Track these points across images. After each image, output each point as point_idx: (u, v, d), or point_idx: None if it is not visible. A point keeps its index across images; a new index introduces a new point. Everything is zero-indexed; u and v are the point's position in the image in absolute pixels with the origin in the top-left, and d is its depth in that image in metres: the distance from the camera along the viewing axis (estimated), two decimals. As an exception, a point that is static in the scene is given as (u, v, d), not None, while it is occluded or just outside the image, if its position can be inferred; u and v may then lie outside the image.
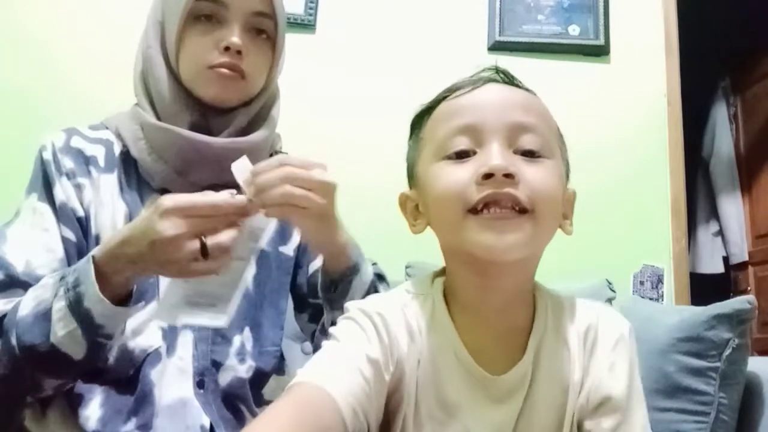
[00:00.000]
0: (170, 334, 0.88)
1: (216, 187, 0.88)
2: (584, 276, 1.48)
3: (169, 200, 0.72)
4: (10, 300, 0.83)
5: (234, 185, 0.82)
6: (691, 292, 1.89)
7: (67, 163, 0.91)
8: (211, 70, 0.90)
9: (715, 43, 3.24)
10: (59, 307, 0.77)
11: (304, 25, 1.85)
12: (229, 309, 0.81)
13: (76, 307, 0.76)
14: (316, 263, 0.98)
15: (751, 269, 3.13)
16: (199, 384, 0.87)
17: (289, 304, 1.03)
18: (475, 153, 0.64)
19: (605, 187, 1.87)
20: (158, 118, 0.92)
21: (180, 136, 0.89)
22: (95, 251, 0.78)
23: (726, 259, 3.23)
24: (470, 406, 0.65)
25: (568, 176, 0.71)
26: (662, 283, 1.83)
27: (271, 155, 1.02)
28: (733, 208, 3.20)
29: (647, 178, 1.90)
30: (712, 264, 3.20)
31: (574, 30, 1.93)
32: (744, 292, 3.03)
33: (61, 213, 0.89)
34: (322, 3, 1.90)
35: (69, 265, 0.86)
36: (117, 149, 0.95)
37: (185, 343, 0.88)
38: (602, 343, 0.68)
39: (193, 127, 0.91)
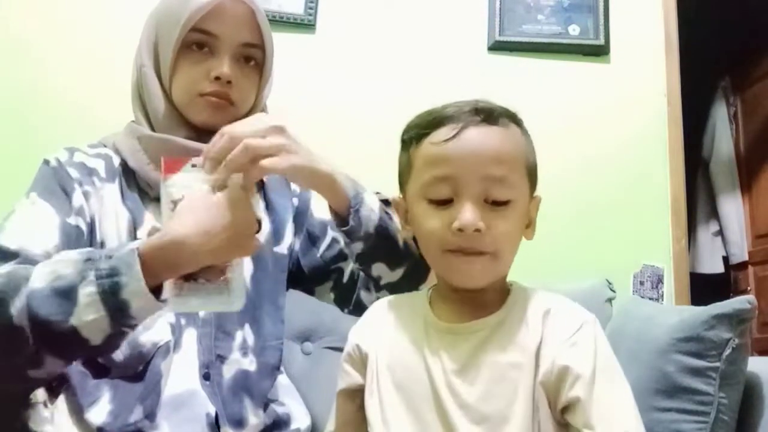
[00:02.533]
0: (177, 330, 0.91)
1: None
2: (584, 276, 1.48)
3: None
4: (3, 267, 0.81)
5: None
6: (691, 292, 1.89)
7: (74, 173, 0.95)
8: (202, 98, 0.96)
9: (715, 43, 3.24)
10: (88, 292, 0.75)
11: (304, 25, 1.85)
12: (237, 291, 0.81)
13: (111, 297, 0.74)
14: (328, 239, 1.05)
15: (751, 269, 3.13)
16: (206, 376, 0.90)
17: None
18: (452, 200, 0.76)
19: (605, 187, 1.86)
20: (153, 130, 0.97)
21: (177, 144, 0.94)
22: (140, 246, 0.77)
23: (726, 259, 3.23)
24: (428, 348, 0.79)
25: (535, 185, 0.83)
26: (662, 283, 1.83)
27: None
28: (733, 208, 3.20)
29: (647, 178, 1.89)
30: (712, 264, 3.20)
31: (574, 30, 1.93)
32: (744, 292, 3.03)
33: (78, 211, 0.92)
34: (322, 3, 1.89)
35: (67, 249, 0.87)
36: (116, 162, 0.99)
37: (190, 339, 0.91)
38: (562, 323, 0.77)
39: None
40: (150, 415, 0.84)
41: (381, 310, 0.86)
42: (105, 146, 1.02)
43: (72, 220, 0.91)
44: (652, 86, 1.94)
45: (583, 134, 1.89)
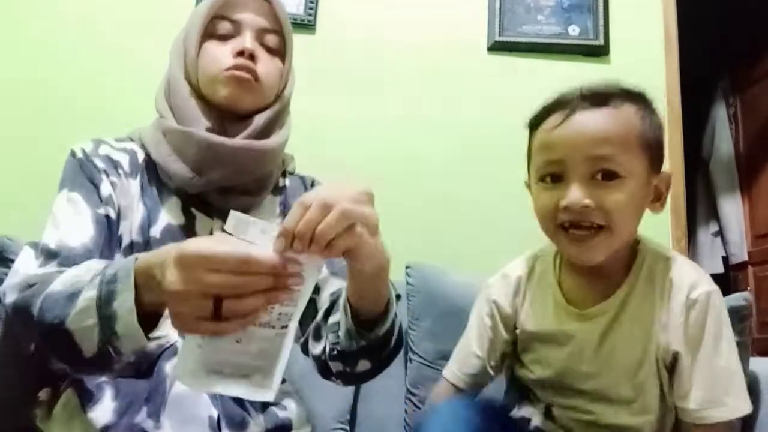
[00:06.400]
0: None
1: (229, 190, 0.95)
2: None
3: (190, 246, 0.63)
4: (45, 269, 0.83)
5: (248, 183, 0.93)
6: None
7: (99, 163, 0.97)
8: (227, 73, 0.96)
9: (715, 42, 3.24)
10: (88, 296, 0.73)
11: (304, 25, 1.85)
12: (273, 383, 0.66)
13: (104, 305, 0.71)
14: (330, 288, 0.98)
15: (750, 269, 3.13)
16: None
17: None
18: (562, 179, 0.87)
19: (605, 187, 1.86)
20: (178, 124, 0.98)
21: (198, 137, 0.95)
22: (140, 256, 0.72)
23: (726, 260, 3.23)
24: (559, 326, 0.94)
25: (661, 161, 0.92)
26: (662, 284, 1.82)
27: (283, 173, 1.09)
28: (732, 208, 3.20)
29: (647, 178, 1.89)
30: (711, 264, 3.20)
31: (573, 30, 1.93)
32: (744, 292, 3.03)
33: (106, 201, 0.93)
34: (322, 3, 1.89)
35: (101, 242, 0.89)
36: (140, 157, 1.01)
37: None
38: (680, 301, 0.88)
39: (210, 132, 0.96)
40: (153, 415, 0.84)
41: (519, 276, 1.01)
42: (132, 140, 1.03)
43: (102, 210, 0.92)
44: (652, 86, 1.93)
45: (583, 134, 1.89)
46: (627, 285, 0.91)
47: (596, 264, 0.88)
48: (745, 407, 0.87)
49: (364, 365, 0.88)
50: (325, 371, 0.95)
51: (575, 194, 0.84)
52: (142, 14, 1.82)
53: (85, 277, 0.76)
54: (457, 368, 1.05)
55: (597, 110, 0.87)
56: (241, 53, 0.96)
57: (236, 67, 0.96)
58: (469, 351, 1.04)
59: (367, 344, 0.84)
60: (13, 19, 1.79)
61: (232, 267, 0.61)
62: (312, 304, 0.98)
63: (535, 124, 0.93)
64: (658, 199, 0.92)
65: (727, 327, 0.88)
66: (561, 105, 0.89)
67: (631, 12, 1.97)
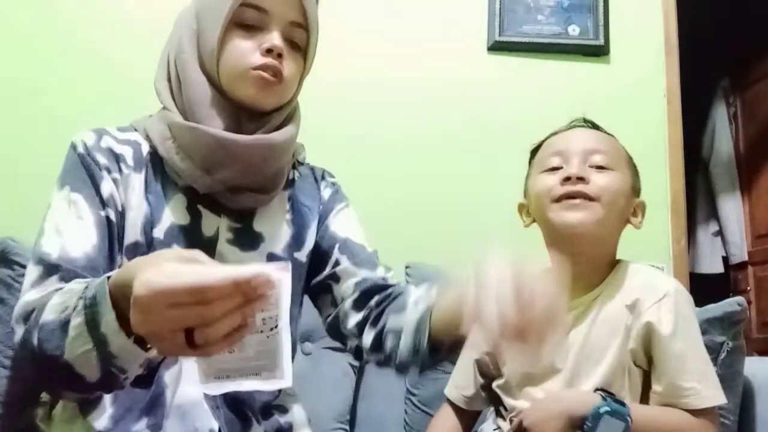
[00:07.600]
0: None
1: (240, 188, 0.91)
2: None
3: (143, 287, 0.59)
4: (44, 289, 0.80)
5: (260, 181, 0.90)
6: (691, 292, 1.88)
7: (101, 159, 0.92)
8: (254, 72, 0.91)
9: (715, 43, 3.24)
10: (76, 323, 0.70)
11: (304, 25, 1.85)
12: (284, 372, 0.67)
13: (93, 328, 0.69)
14: (333, 259, 1.00)
15: (750, 269, 3.13)
16: None
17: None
18: (562, 168, 1.01)
19: (605, 187, 1.86)
20: (185, 119, 0.93)
21: (206, 134, 0.90)
22: (112, 274, 0.70)
23: (726, 259, 3.23)
24: None
25: (638, 193, 1.07)
26: (662, 284, 1.83)
27: (293, 165, 1.05)
28: (732, 208, 3.20)
29: (647, 178, 1.87)
30: (711, 264, 3.20)
31: (573, 30, 1.93)
32: (744, 292, 3.03)
33: (107, 202, 0.89)
34: (323, 3, 1.89)
35: (104, 248, 0.86)
36: (145, 150, 0.95)
37: None
38: (645, 306, 0.97)
39: (225, 130, 0.91)
40: (153, 426, 0.82)
41: None
42: (135, 130, 0.98)
43: (103, 212, 0.88)
44: (652, 86, 1.94)
45: (583, 134, 1.89)
46: (598, 289, 1.02)
47: (582, 234, 0.98)
48: (720, 397, 0.94)
49: (412, 370, 0.92)
50: (357, 351, 0.98)
51: (575, 167, 0.99)
52: (129, 14, 1.82)
53: (70, 302, 0.74)
54: (453, 385, 1.17)
55: (593, 130, 1.08)
56: (269, 51, 0.91)
57: (264, 68, 0.91)
58: (459, 372, 1.16)
59: (424, 365, 0.88)
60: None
61: (192, 299, 0.58)
62: (329, 294, 1.00)
63: (536, 148, 1.09)
64: (635, 215, 1.06)
65: (695, 323, 0.99)
66: (563, 127, 1.08)
67: (631, 12, 1.97)
